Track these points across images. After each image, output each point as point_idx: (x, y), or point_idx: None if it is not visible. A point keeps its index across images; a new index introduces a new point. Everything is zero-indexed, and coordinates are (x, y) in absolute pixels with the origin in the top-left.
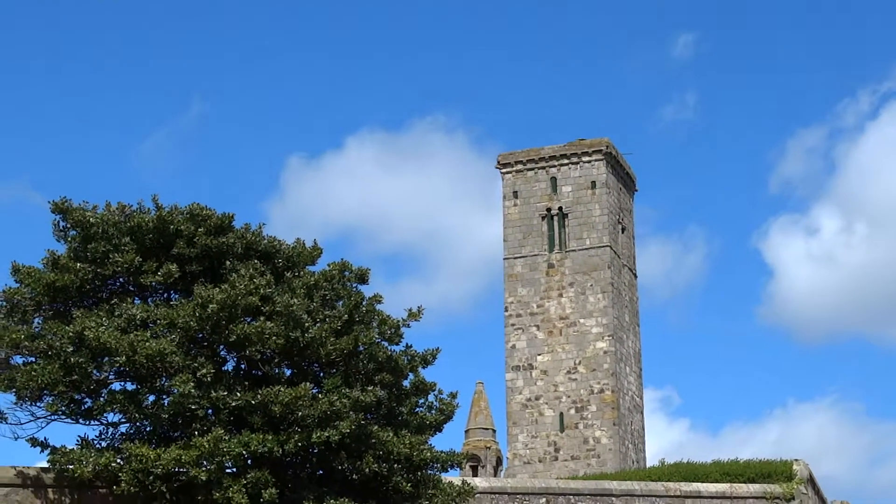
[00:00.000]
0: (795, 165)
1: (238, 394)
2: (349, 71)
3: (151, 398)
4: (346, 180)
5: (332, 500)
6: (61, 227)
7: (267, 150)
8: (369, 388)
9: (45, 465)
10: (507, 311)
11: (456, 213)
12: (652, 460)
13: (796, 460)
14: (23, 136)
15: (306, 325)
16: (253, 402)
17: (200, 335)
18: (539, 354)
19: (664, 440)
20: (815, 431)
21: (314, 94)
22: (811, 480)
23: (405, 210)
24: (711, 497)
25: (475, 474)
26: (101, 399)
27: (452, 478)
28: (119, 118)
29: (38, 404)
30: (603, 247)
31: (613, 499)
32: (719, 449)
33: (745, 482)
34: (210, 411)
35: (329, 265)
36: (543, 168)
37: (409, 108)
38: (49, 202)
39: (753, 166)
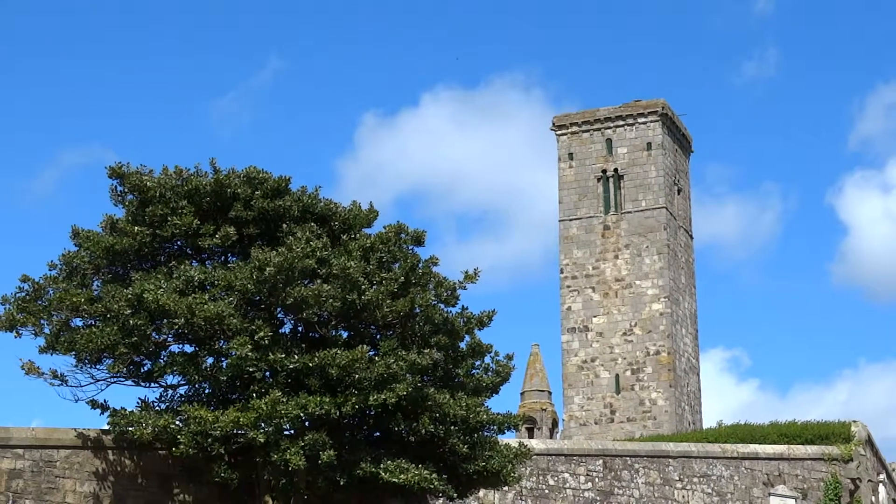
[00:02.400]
0: (875, 122)
1: (295, 356)
2: (426, 27)
3: (210, 361)
4: (420, 138)
5: (389, 462)
6: (119, 192)
7: (342, 108)
8: (426, 351)
9: (105, 427)
10: (562, 272)
11: (530, 172)
12: (714, 421)
13: (854, 421)
14: (97, 96)
15: (363, 287)
16: (310, 364)
17: (258, 298)
18: (595, 316)
19: (732, 401)
20: (884, 392)
21: (391, 51)
22: (869, 442)
23: (479, 168)
24: (769, 458)
25: (531, 436)
26: (160, 361)
27: (509, 439)
28: (194, 77)
29: (97, 367)
30: (659, 208)
31: (670, 460)
32: (786, 410)
33: (802, 444)
34: (268, 374)
35: (385, 227)
36: (599, 129)
37: (486, 65)
38: (106, 167)
39: (833, 123)
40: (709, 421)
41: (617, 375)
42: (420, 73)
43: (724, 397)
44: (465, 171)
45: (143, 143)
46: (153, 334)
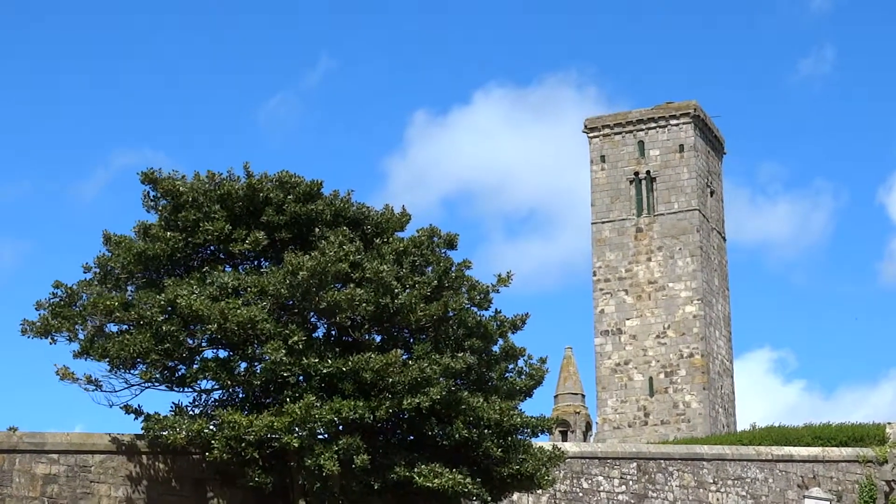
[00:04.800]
0: None
1: (329, 360)
2: (478, 24)
3: (243, 365)
4: (471, 136)
5: (423, 466)
6: (152, 197)
7: (393, 106)
8: (459, 354)
9: (140, 431)
10: (595, 275)
11: (578, 171)
12: (749, 424)
13: (889, 423)
14: (147, 98)
15: (396, 291)
16: (344, 368)
17: (291, 302)
18: (628, 319)
19: (777, 403)
20: None
21: (444, 48)
22: None
23: (529, 167)
24: (804, 461)
25: (565, 439)
26: (194, 366)
27: (542, 443)
28: (245, 78)
29: (131, 372)
30: (691, 210)
31: (705, 463)
32: (831, 411)
33: (837, 446)
34: (301, 378)
35: (418, 231)
36: (631, 132)
37: (540, 62)
38: (138, 173)
39: (886, 119)
40: (744, 423)
41: (650, 378)
42: (472, 71)
43: (769, 399)
44: (515, 169)
45: (194, 145)
46: (187, 340)
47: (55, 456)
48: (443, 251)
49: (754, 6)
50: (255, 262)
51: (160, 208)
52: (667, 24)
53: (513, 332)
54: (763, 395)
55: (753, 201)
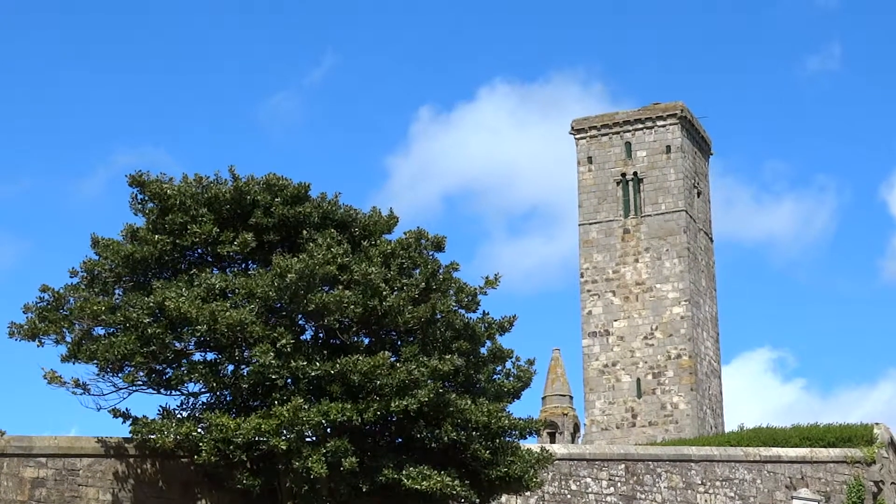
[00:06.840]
0: None
1: (317, 363)
2: (485, 19)
3: (231, 368)
4: (475, 133)
5: (411, 468)
6: (139, 200)
7: (398, 103)
8: (447, 357)
9: (128, 435)
10: (582, 277)
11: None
12: (739, 424)
13: (877, 424)
14: (149, 96)
15: (384, 293)
16: (332, 371)
17: (279, 305)
18: (615, 320)
19: (774, 402)
20: None
21: (449, 44)
22: (892, 444)
23: (533, 165)
24: (792, 462)
25: (553, 441)
26: (182, 369)
27: (531, 445)
28: (248, 75)
29: (119, 375)
30: (678, 211)
31: (693, 464)
32: (828, 411)
33: (825, 446)
34: (289, 381)
35: (405, 233)
36: (618, 133)
37: (546, 59)
38: (126, 175)
39: (890, 116)
40: (733, 424)
41: (638, 379)
42: (478, 67)
43: (768, 398)
44: (519, 167)
45: (196, 143)
46: (174, 342)
47: (43, 459)
48: (430, 253)
49: (763, 2)
50: (243, 265)
51: (147, 211)
52: (674, 21)
53: (500, 334)
54: (762, 394)
55: (757, 199)
